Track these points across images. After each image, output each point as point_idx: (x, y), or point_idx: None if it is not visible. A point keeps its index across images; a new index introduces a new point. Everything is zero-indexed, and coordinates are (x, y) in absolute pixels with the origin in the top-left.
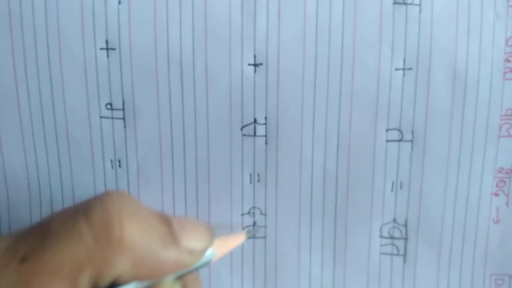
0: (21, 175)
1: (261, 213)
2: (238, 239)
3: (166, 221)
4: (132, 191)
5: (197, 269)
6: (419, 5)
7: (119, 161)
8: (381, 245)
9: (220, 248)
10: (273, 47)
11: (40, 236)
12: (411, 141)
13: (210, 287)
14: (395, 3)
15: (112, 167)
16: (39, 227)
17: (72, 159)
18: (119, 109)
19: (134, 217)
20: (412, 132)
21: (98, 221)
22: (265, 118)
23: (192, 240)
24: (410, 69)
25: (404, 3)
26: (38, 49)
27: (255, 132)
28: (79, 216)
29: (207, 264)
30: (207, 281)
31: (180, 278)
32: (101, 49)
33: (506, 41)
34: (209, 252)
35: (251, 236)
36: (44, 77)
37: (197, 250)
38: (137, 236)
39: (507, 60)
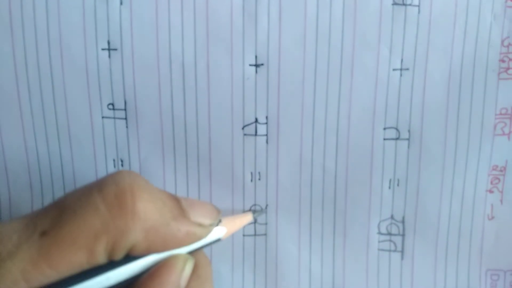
0: (23, 175)
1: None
2: (246, 219)
3: (174, 198)
4: None
5: (208, 245)
6: (418, 6)
7: (122, 161)
8: (379, 242)
9: (229, 227)
10: (274, 48)
11: (57, 212)
12: (408, 139)
13: None
14: (394, 4)
15: (114, 166)
16: (55, 204)
17: (74, 159)
18: (121, 109)
19: (145, 190)
20: (409, 131)
21: (111, 194)
22: (266, 117)
23: (200, 215)
24: (407, 69)
25: (404, 4)
26: (40, 49)
27: (256, 132)
28: (93, 191)
29: (218, 241)
30: None
31: (191, 254)
32: (103, 49)
33: (502, 42)
34: (218, 229)
35: (257, 217)
36: (46, 78)
37: (205, 224)
38: (149, 207)
39: (502, 60)
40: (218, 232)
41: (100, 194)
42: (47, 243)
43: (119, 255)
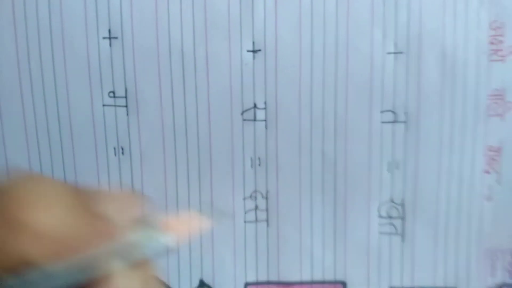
0: (22, 163)
1: (262, 197)
2: (200, 223)
3: (75, 194)
4: (136, 177)
5: (155, 255)
6: None
7: (122, 148)
8: (379, 225)
9: (180, 232)
10: (271, 34)
11: None
12: (405, 122)
13: (213, 271)
14: None
15: (115, 155)
16: None
17: (75, 147)
18: (121, 97)
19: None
20: (405, 113)
21: None
22: (265, 103)
23: (112, 210)
24: (401, 53)
25: None
26: (41, 38)
27: (255, 117)
28: None
29: (167, 250)
30: (211, 265)
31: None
32: (103, 38)
33: (490, 25)
34: (165, 236)
35: (217, 220)
36: (47, 66)
37: (125, 221)
38: (41, 217)
39: (492, 43)
40: (164, 240)
41: None
42: None
43: (12, 268)
